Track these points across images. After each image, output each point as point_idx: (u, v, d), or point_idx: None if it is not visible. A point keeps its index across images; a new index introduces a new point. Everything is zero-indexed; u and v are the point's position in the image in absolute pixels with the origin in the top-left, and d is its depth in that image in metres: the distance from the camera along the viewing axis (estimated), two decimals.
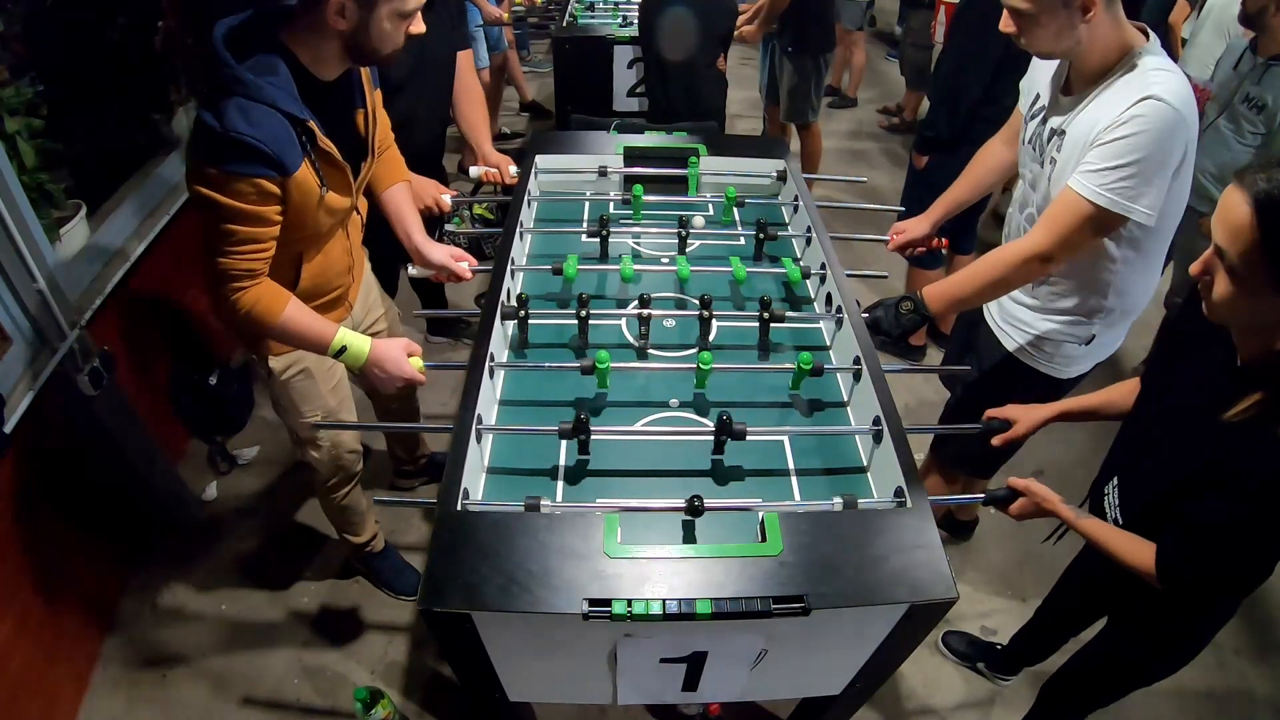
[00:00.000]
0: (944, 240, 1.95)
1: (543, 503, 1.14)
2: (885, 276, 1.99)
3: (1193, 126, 1.29)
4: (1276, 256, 0.91)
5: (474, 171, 2.16)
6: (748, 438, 1.25)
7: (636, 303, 1.53)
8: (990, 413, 1.47)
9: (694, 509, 1.10)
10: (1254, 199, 0.90)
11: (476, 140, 2.22)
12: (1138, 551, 1.16)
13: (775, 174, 2.06)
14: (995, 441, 1.46)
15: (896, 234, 1.92)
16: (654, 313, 1.52)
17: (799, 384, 1.44)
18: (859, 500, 1.22)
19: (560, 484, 1.28)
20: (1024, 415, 1.44)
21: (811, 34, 3.31)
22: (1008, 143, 1.75)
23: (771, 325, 1.54)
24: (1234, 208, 0.93)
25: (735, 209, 1.93)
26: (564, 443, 1.34)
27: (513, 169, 2.12)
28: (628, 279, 1.65)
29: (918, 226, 1.89)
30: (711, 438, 1.27)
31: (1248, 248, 0.92)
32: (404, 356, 1.46)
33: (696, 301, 1.56)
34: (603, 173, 2.01)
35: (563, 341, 1.57)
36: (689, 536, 1.16)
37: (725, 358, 1.54)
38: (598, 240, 1.78)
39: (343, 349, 1.41)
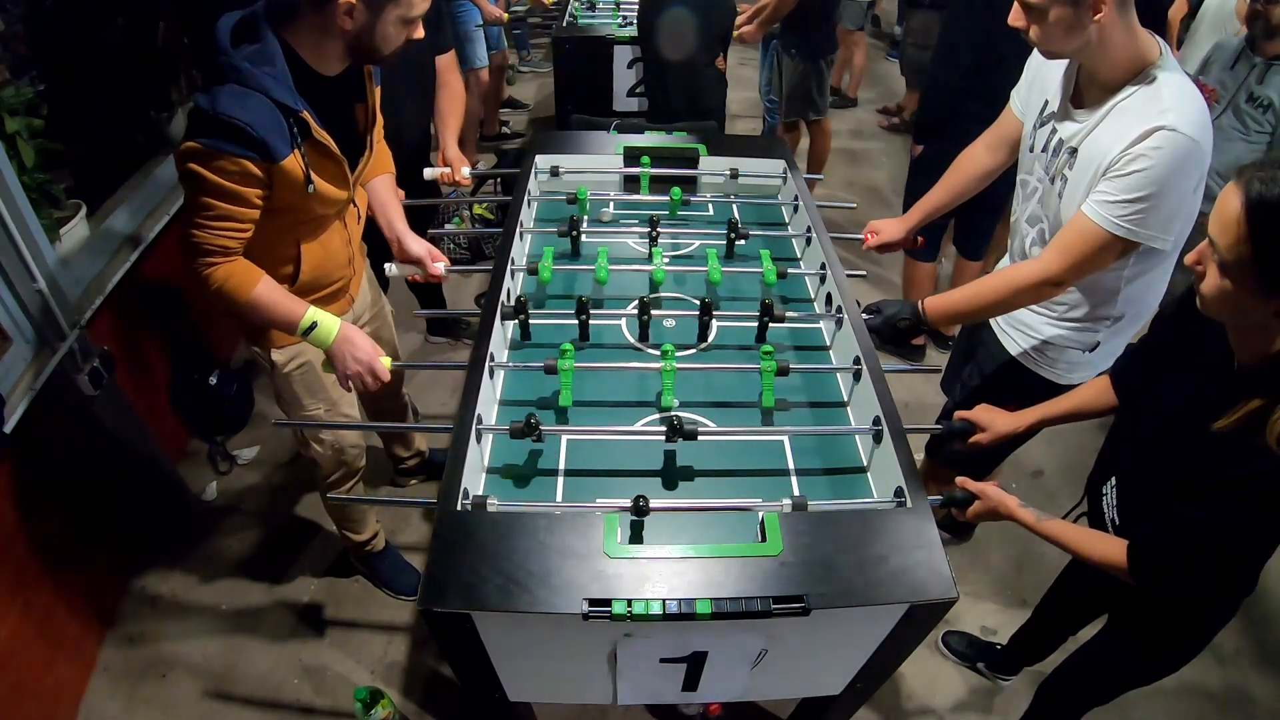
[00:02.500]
0: (921, 240, 1.94)
1: (490, 501, 1.14)
2: (865, 275, 2.01)
3: (1209, 149, 1.27)
4: (1264, 258, 0.91)
5: (429, 173, 2.15)
6: (741, 438, 1.26)
7: (636, 304, 1.53)
8: (959, 414, 1.46)
9: (639, 509, 1.10)
10: (1246, 198, 0.91)
11: (443, 134, 2.24)
12: (1107, 549, 1.15)
13: (775, 174, 2.06)
14: (957, 447, 1.45)
15: (872, 233, 1.90)
16: (654, 313, 1.52)
17: (770, 395, 1.40)
18: (859, 500, 1.23)
19: (560, 484, 1.28)
20: (995, 421, 1.41)
21: (815, 36, 3.34)
22: (990, 149, 1.72)
23: (770, 325, 1.54)
24: (1228, 204, 0.93)
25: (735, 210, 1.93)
26: (564, 442, 1.34)
27: (465, 170, 2.11)
28: (602, 281, 1.65)
29: (894, 229, 1.87)
30: (711, 438, 1.27)
31: (1238, 245, 0.92)
32: (373, 345, 1.47)
33: (696, 303, 1.56)
34: (603, 173, 2.01)
35: (564, 341, 1.57)
36: (688, 536, 1.16)
37: (722, 357, 1.54)
38: (627, 240, 1.79)
39: (313, 325, 1.41)
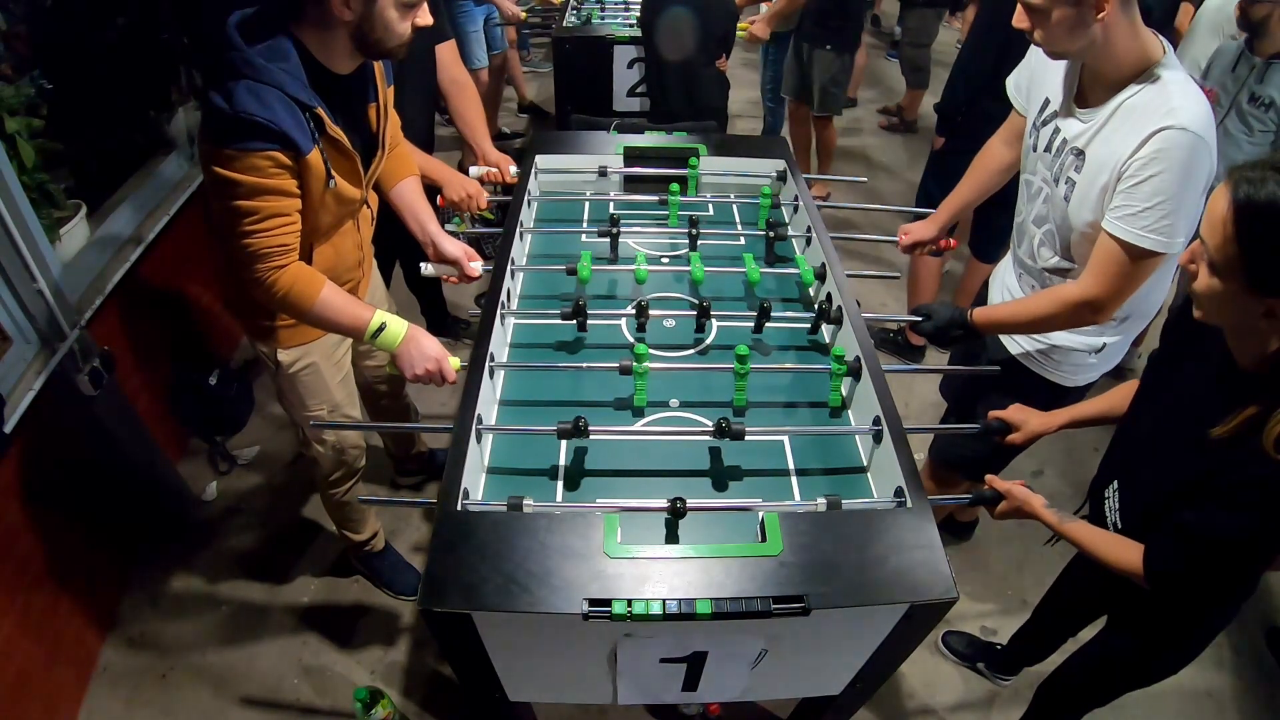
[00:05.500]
0: (953, 241, 1.95)
1: (525, 502, 1.14)
2: (897, 276, 2.03)
3: (1215, 147, 1.26)
4: (1251, 258, 0.91)
5: (474, 171, 2.16)
6: (746, 438, 1.26)
7: (634, 305, 1.53)
8: (994, 414, 1.47)
9: (676, 510, 1.10)
10: (1234, 199, 0.91)
11: (476, 139, 2.21)
12: (1124, 554, 1.15)
13: (775, 174, 2.06)
14: (997, 441, 1.46)
15: (905, 234, 1.92)
16: (653, 313, 1.52)
17: (838, 396, 1.42)
18: (858, 500, 1.22)
19: (560, 484, 1.28)
20: (1029, 420, 1.42)
21: (850, 30, 3.48)
22: (1008, 143, 1.73)
23: (767, 325, 1.54)
24: (1218, 205, 0.93)
25: (771, 209, 1.93)
26: (564, 443, 1.34)
27: (513, 169, 2.13)
28: (642, 280, 1.65)
29: (925, 229, 1.89)
30: (710, 438, 1.28)
31: (1225, 245, 0.92)
32: (440, 347, 1.46)
33: (695, 303, 1.56)
34: (603, 173, 2.01)
35: (559, 341, 1.57)
36: (689, 536, 1.16)
37: (726, 358, 1.54)
38: (606, 240, 1.78)
39: (382, 327, 1.39)
